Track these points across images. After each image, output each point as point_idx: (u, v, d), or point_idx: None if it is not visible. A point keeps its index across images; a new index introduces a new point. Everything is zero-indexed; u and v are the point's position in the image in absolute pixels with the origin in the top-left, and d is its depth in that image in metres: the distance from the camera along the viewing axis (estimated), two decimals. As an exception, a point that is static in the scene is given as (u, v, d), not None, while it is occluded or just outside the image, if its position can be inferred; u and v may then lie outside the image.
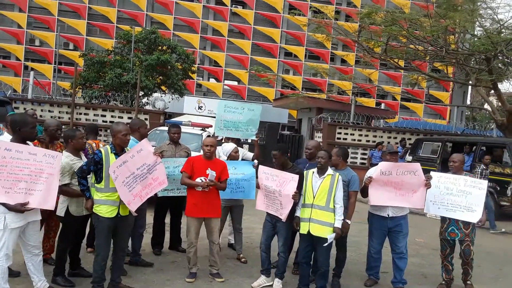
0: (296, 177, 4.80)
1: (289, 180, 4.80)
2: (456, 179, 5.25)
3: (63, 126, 5.72)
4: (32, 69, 30.29)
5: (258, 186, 5.22)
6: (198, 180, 5.03)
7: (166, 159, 5.61)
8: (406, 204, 5.30)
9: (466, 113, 35.73)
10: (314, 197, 4.80)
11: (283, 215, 4.86)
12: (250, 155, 6.77)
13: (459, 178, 5.25)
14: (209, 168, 5.02)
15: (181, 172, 5.18)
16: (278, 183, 4.88)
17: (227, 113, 6.55)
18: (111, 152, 4.45)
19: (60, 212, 4.63)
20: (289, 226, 5.04)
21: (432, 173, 5.42)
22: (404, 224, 5.36)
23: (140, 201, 4.52)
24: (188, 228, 5.18)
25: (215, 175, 5.02)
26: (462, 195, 5.17)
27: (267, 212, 5.19)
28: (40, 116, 13.78)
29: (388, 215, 5.32)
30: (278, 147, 5.18)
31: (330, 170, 4.94)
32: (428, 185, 5.22)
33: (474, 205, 5.13)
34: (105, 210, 4.39)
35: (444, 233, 5.39)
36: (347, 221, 5.03)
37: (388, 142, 15.49)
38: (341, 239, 5.22)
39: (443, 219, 5.44)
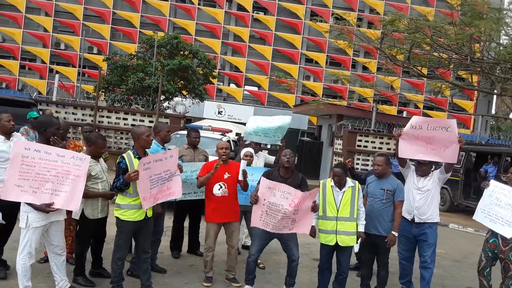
0: (314, 192, 4.63)
1: (306, 198, 4.58)
2: (510, 191, 4.92)
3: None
4: (57, 72, 30.93)
5: (255, 201, 4.62)
6: (216, 187, 5.06)
7: (184, 164, 5.64)
8: (438, 158, 5.08)
9: (491, 123, 35.04)
10: (338, 210, 4.74)
11: (304, 229, 4.67)
12: (272, 158, 6.96)
13: None
14: (242, 161, 5.03)
15: (197, 178, 5.22)
16: (292, 202, 4.48)
17: (259, 121, 6.76)
18: (135, 157, 4.44)
19: (75, 215, 4.67)
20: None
21: (491, 181, 5.16)
22: (429, 234, 5.17)
23: (152, 203, 4.50)
24: (208, 232, 5.20)
25: (246, 162, 5.01)
26: (508, 209, 4.85)
27: None
28: (64, 118, 14.07)
29: (413, 220, 5.14)
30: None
31: (349, 182, 4.85)
32: (462, 142, 4.93)
33: None
34: (133, 215, 4.41)
35: (486, 244, 5.10)
36: (394, 233, 4.93)
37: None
38: (384, 254, 5.11)
39: (489, 229, 5.13)
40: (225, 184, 5.08)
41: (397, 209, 5.00)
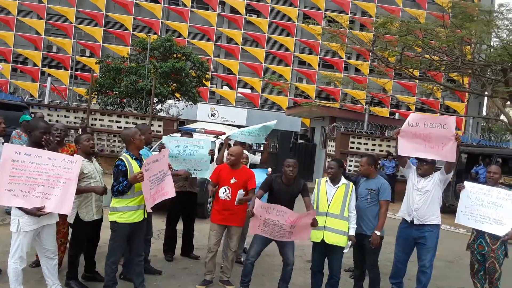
0: (311, 213, 4.65)
1: (304, 216, 4.63)
2: (489, 190, 4.94)
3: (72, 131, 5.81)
4: (49, 75, 30.78)
5: (251, 215, 4.70)
6: (221, 189, 5.14)
7: (174, 138, 5.73)
8: (436, 156, 5.04)
9: (482, 124, 35.31)
10: (328, 206, 4.77)
11: (302, 236, 4.76)
12: (258, 158, 7.14)
13: (492, 189, 4.94)
14: (239, 191, 5.10)
15: (209, 179, 5.37)
16: (288, 219, 4.62)
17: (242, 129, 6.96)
18: (132, 159, 4.44)
19: (70, 219, 4.64)
20: None
21: (465, 182, 5.18)
22: (429, 237, 5.09)
23: (152, 203, 4.53)
24: (209, 233, 5.25)
25: (243, 193, 5.10)
26: (492, 207, 4.87)
27: None
28: (56, 121, 13.99)
29: (412, 222, 5.09)
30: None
31: (344, 180, 4.91)
32: (458, 140, 4.90)
33: (504, 218, 4.79)
34: (131, 216, 4.41)
35: (473, 246, 5.13)
36: (377, 232, 4.87)
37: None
38: (371, 255, 5.06)
39: (473, 230, 5.17)
40: (230, 189, 5.12)
41: (381, 208, 4.97)
